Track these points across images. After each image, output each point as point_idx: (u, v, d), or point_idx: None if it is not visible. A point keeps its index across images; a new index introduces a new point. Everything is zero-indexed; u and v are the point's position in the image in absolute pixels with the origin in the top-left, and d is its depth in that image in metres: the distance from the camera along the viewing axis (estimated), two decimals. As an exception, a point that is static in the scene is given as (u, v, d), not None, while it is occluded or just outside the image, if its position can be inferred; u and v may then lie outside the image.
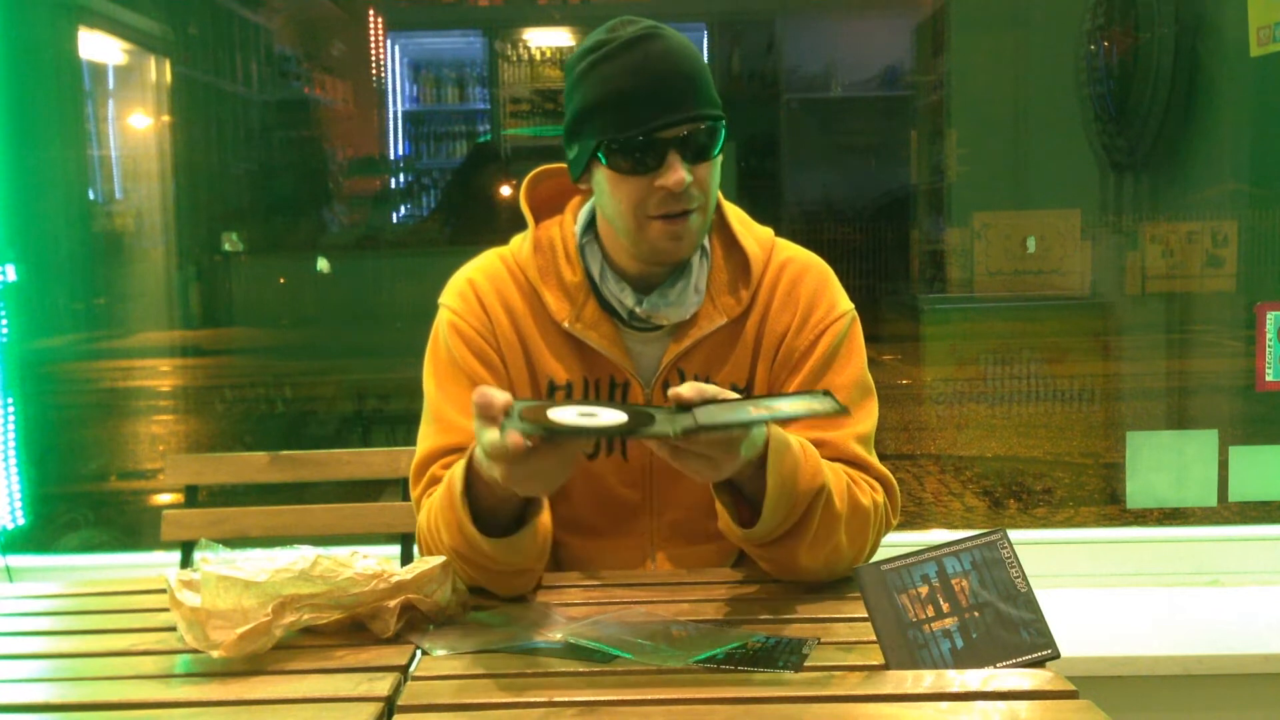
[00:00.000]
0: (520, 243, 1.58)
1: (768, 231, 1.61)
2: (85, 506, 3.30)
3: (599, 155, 1.42)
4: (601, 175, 1.45)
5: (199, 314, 3.94)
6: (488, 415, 1.13)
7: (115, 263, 3.78)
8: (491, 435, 1.13)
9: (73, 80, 3.54)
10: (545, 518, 1.35)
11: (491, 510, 1.30)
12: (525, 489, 1.22)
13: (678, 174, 1.39)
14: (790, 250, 1.59)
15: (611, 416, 1.13)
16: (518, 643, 1.21)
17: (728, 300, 1.53)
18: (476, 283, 1.56)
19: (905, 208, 4.26)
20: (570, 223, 1.57)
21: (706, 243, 1.55)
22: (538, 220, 1.58)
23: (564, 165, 1.56)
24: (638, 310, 1.50)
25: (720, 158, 1.46)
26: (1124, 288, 3.52)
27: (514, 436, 1.08)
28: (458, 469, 1.30)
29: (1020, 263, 3.39)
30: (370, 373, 3.90)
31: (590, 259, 1.53)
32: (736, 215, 1.59)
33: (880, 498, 1.46)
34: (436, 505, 1.38)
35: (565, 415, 1.12)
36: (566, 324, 1.51)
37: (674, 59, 1.40)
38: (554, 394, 1.53)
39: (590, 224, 1.55)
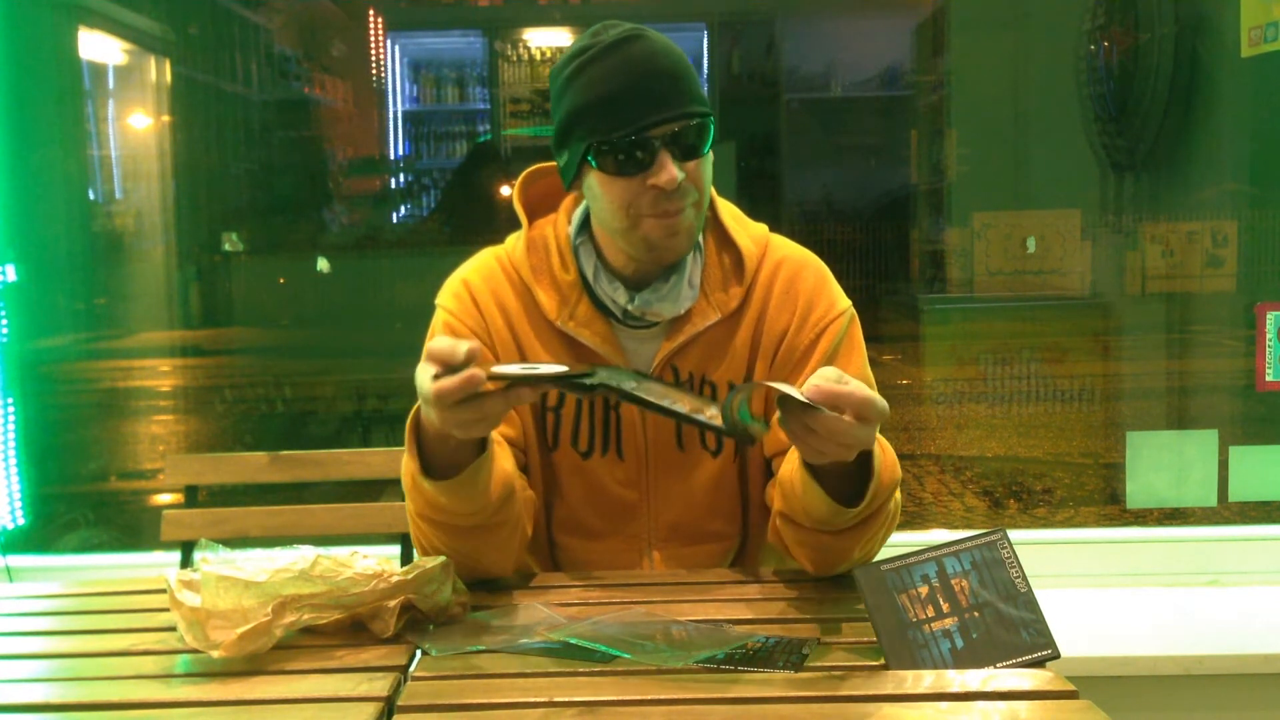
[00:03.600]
0: (514, 242, 1.58)
1: (761, 228, 1.60)
2: (85, 506, 3.30)
3: (589, 158, 1.42)
4: (593, 179, 1.45)
5: (199, 314, 3.94)
6: (450, 363, 1.17)
7: (115, 263, 3.78)
8: (425, 380, 1.18)
9: (73, 80, 3.54)
10: (499, 464, 1.36)
11: (446, 466, 1.30)
12: (462, 432, 1.22)
13: (670, 172, 1.39)
14: (785, 247, 1.59)
15: (551, 369, 1.22)
16: (518, 643, 1.21)
17: (721, 297, 1.53)
18: (471, 283, 1.56)
19: (905, 208, 4.25)
20: (564, 222, 1.56)
21: (700, 239, 1.54)
22: (531, 219, 1.58)
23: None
24: (630, 307, 1.50)
25: (711, 153, 1.46)
26: (1124, 288, 3.52)
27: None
28: (409, 421, 1.32)
29: (1020, 263, 3.39)
30: (370, 373, 3.90)
31: (584, 259, 1.53)
32: (729, 211, 1.59)
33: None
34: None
35: (509, 369, 1.21)
36: (560, 322, 1.51)
37: (659, 59, 1.41)
38: (546, 395, 1.54)
39: (584, 225, 1.55)
